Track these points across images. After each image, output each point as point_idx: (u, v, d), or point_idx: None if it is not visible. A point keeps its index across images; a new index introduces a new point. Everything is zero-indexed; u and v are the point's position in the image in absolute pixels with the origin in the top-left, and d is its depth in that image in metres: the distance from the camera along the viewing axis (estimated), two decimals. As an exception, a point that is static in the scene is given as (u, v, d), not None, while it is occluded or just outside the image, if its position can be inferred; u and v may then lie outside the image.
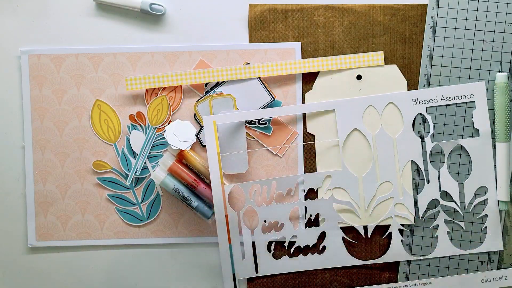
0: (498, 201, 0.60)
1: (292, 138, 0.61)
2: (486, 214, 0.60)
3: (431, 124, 0.60)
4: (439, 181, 0.60)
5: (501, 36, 0.59)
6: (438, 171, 0.60)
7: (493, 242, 0.60)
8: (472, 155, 0.60)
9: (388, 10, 0.60)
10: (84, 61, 0.61)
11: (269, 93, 0.60)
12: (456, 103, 0.60)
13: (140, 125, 0.61)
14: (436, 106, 0.60)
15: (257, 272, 0.61)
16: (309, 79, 0.61)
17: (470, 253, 0.60)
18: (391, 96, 0.60)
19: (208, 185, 0.60)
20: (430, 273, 0.61)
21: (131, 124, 0.61)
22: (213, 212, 0.60)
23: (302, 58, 0.60)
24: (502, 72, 0.59)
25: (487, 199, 0.60)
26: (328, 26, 0.60)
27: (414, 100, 0.59)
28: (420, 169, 0.60)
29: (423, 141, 0.60)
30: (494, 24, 0.59)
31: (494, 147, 0.60)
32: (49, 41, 0.61)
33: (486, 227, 0.60)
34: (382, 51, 0.60)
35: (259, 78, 0.60)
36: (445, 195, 0.60)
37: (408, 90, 0.60)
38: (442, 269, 0.61)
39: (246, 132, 0.61)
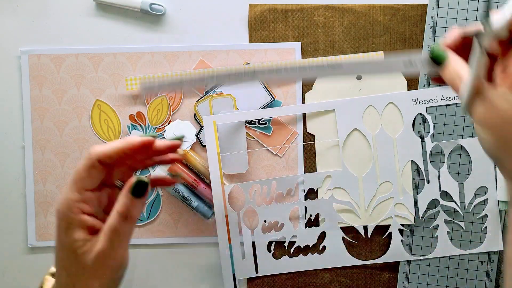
0: (498, 201, 0.60)
1: (292, 138, 0.61)
2: (486, 214, 0.60)
3: (431, 124, 0.59)
4: (439, 181, 0.60)
5: (501, 36, 0.59)
6: (438, 171, 0.60)
7: (493, 242, 0.60)
8: (472, 155, 0.60)
9: (388, 10, 0.60)
10: (84, 61, 0.61)
11: (269, 93, 0.60)
12: (456, 103, 0.60)
13: (140, 125, 0.61)
14: (436, 106, 0.60)
15: (257, 272, 0.61)
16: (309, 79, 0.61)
17: (470, 253, 0.60)
18: (391, 96, 0.60)
19: (208, 185, 0.60)
20: (430, 273, 0.61)
21: (131, 124, 0.61)
22: (213, 212, 0.60)
23: (302, 58, 0.60)
24: (502, 72, 0.59)
25: (487, 199, 0.60)
26: (328, 26, 0.60)
27: (414, 100, 0.59)
28: (420, 169, 0.60)
29: (423, 141, 0.60)
30: (494, 24, 0.59)
31: (494, 147, 0.60)
32: (49, 41, 0.61)
33: (486, 227, 0.60)
34: (382, 51, 0.60)
35: (259, 78, 0.60)
36: (445, 195, 0.60)
37: (408, 90, 0.60)
38: (442, 269, 0.61)
39: (246, 132, 0.61)
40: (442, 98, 0.59)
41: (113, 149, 0.41)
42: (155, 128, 0.61)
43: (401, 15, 0.60)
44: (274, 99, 0.60)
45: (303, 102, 0.61)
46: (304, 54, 0.60)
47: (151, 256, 0.62)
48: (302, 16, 0.60)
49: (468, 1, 0.59)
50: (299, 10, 0.60)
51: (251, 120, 0.60)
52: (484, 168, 0.60)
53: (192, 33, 0.61)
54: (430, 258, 0.61)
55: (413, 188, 0.60)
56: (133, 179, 0.41)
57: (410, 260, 0.61)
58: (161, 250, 0.62)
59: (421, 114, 0.60)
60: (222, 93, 0.60)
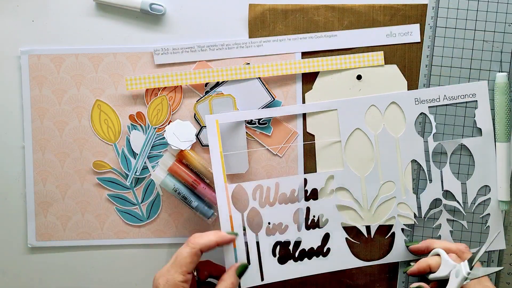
0: (499, 201, 0.60)
1: (292, 138, 0.61)
2: (489, 213, 0.60)
3: (434, 124, 0.59)
4: (442, 181, 0.60)
5: (501, 36, 0.59)
6: (441, 171, 0.60)
7: (495, 241, 0.60)
8: (474, 155, 0.60)
9: (388, 10, 0.60)
10: (84, 61, 0.61)
11: (269, 93, 0.60)
12: (458, 103, 0.60)
13: (140, 125, 0.61)
14: (439, 105, 0.60)
15: (262, 279, 0.58)
16: (309, 79, 0.61)
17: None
18: (393, 95, 0.60)
19: (208, 185, 0.60)
20: (430, 273, 0.61)
21: (131, 124, 0.61)
22: (213, 212, 0.60)
23: (302, 58, 0.60)
24: (502, 72, 0.59)
25: (489, 198, 0.60)
26: (328, 26, 0.60)
27: (416, 100, 0.59)
28: (421, 168, 0.60)
29: (425, 141, 0.60)
30: (494, 24, 0.59)
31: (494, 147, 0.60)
32: (49, 41, 0.61)
33: (488, 227, 0.60)
34: (382, 51, 0.60)
35: (259, 78, 0.60)
36: (448, 195, 0.60)
37: (408, 90, 0.60)
38: (442, 269, 0.61)
39: (246, 132, 0.61)
40: (445, 98, 0.59)
41: (213, 242, 0.52)
42: (155, 128, 0.61)
43: (401, 15, 0.60)
44: (274, 99, 0.60)
45: (303, 102, 0.61)
46: (304, 54, 0.60)
47: (151, 256, 0.62)
48: (302, 16, 0.60)
49: (468, 1, 0.59)
50: (299, 10, 0.60)
51: (251, 120, 0.60)
52: (486, 168, 0.60)
53: (192, 33, 0.61)
54: (430, 258, 0.61)
55: (413, 188, 0.60)
56: (238, 263, 0.56)
57: (410, 260, 0.61)
58: (161, 250, 0.62)
59: (423, 113, 0.60)
60: (222, 93, 0.60)
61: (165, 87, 0.61)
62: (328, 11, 0.60)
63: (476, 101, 0.59)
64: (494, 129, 0.60)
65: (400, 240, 0.60)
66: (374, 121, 0.60)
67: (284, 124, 0.61)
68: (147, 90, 0.61)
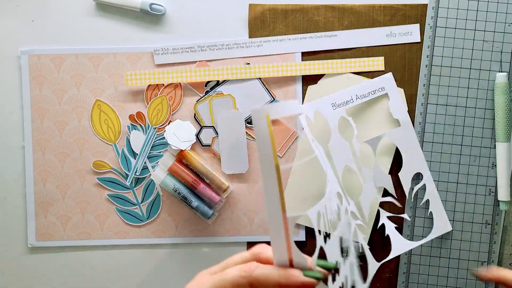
0: (499, 201, 0.60)
1: (292, 138, 0.61)
2: (428, 199, 0.59)
3: (353, 125, 0.58)
4: (374, 179, 0.59)
5: (501, 36, 0.59)
6: (372, 169, 0.59)
7: (441, 225, 0.59)
8: (399, 146, 0.59)
9: (388, 10, 0.60)
10: (84, 61, 0.61)
11: (269, 93, 0.60)
12: (371, 99, 0.59)
13: (140, 125, 0.61)
14: (354, 106, 0.59)
15: None
16: (309, 79, 0.61)
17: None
18: (315, 104, 0.58)
19: (208, 185, 0.60)
20: (430, 273, 0.61)
21: (131, 124, 0.61)
22: (213, 212, 0.60)
23: (302, 58, 0.60)
24: (502, 72, 0.59)
25: (424, 184, 0.59)
26: (328, 26, 0.60)
27: (333, 105, 0.58)
28: (355, 171, 0.58)
29: (350, 144, 0.58)
30: (494, 24, 0.59)
31: (494, 147, 0.60)
32: (49, 41, 0.61)
33: (431, 212, 0.59)
34: (383, 57, 0.60)
35: (259, 78, 0.60)
36: (383, 192, 0.59)
37: (405, 98, 0.60)
38: (442, 269, 0.61)
39: (246, 132, 0.61)
40: (357, 97, 0.58)
41: (273, 282, 0.38)
42: (155, 128, 0.61)
43: (401, 15, 0.60)
44: (274, 99, 0.60)
45: (303, 100, 0.61)
46: (304, 54, 0.60)
47: (151, 256, 0.62)
48: (302, 16, 0.60)
49: (468, 1, 0.59)
50: (299, 10, 0.60)
51: (251, 120, 0.60)
52: (413, 156, 0.59)
53: (192, 33, 0.61)
54: (430, 256, 0.61)
55: (354, 193, 0.59)
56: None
57: (410, 260, 0.61)
58: (161, 250, 0.62)
59: (343, 117, 0.58)
60: (222, 93, 0.61)
61: (165, 88, 0.61)
62: (328, 11, 0.60)
63: (387, 93, 0.58)
64: (494, 129, 0.60)
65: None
66: (308, 131, 0.57)
67: (284, 124, 0.61)
68: (147, 90, 0.61)
